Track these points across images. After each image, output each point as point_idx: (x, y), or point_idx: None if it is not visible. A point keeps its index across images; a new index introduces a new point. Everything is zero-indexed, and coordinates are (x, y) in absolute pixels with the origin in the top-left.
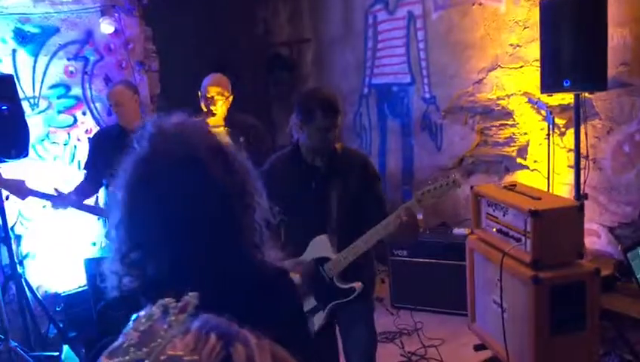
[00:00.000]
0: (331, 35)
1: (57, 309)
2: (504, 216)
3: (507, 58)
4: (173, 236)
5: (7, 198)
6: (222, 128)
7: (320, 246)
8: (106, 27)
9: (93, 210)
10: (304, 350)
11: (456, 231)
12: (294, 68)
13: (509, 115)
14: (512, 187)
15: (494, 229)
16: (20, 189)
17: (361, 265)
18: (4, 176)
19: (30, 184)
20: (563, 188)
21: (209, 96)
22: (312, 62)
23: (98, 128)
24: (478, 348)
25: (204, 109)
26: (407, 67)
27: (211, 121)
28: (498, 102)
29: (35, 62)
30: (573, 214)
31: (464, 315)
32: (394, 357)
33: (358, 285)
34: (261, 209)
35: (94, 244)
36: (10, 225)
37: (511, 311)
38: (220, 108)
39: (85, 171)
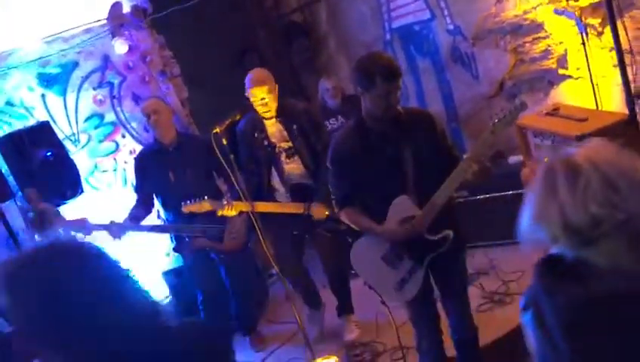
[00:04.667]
0: None
1: None
2: (553, 143)
3: None
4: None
5: None
6: (273, 120)
7: (402, 206)
8: (120, 47)
9: (152, 228)
10: None
11: (512, 159)
12: (311, 31)
13: (539, 27)
14: (554, 112)
15: (546, 159)
16: (84, 227)
17: (447, 213)
18: (67, 218)
19: (92, 220)
20: (614, 90)
21: (258, 99)
22: (328, 21)
23: (141, 147)
24: None
25: (259, 112)
26: (424, 2)
27: (270, 115)
28: (525, 16)
29: (65, 100)
30: (624, 127)
31: None
32: (476, 299)
33: (449, 233)
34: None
35: (168, 255)
36: None
37: None
38: (272, 104)
39: (136, 195)
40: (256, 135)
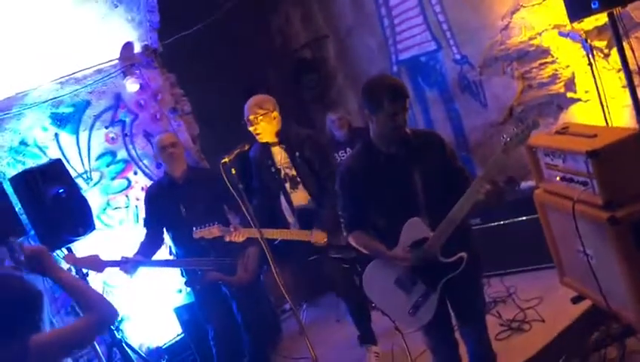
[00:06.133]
0: (347, 25)
1: None
2: (564, 162)
3: None
4: None
5: (87, 274)
6: (277, 147)
7: (414, 228)
8: (132, 86)
9: (164, 263)
10: None
11: (524, 184)
12: (320, 67)
13: (545, 52)
14: (564, 130)
15: (558, 178)
16: (96, 264)
17: (461, 235)
18: (79, 256)
19: (104, 256)
20: (623, 111)
21: (249, 119)
22: (336, 56)
23: (151, 183)
24: (576, 300)
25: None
26: (430, 34)
27: (263, 139)
28: (531, 42)
29: (77, 139)
30: (634, 142)
31: (554, 267)
32: (494, 328)
33: (463, 255)
34: None
35: (180, 292)
36: None
37: (598, 257)
38: (264, 127)
39: (145, 228)
40: (264, 161)
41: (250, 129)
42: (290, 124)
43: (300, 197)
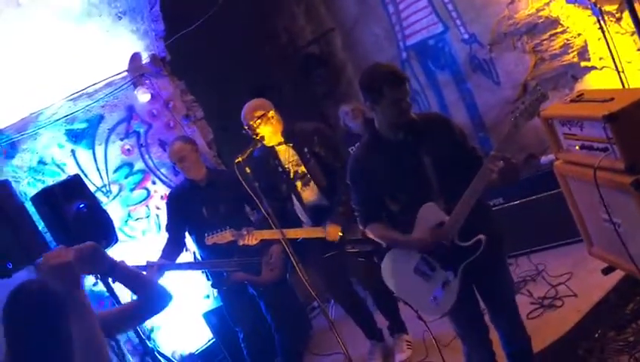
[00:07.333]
0: (352, 16)
1: None
2: (582, 130)
3: None
4: None
5: (113, 281)
6: (283, 146)
7: (429, 214)
8: (143, 96)
9: (189, 266)
10: None
11: (544, 159)
12: (329, 61)
13: (555, 22)
14: (579, 98)
15: (577, 147)
16: None
17: (479, 216)
18: None
19: (128, 262)
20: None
21: (248, 125)
22: (343, 48)
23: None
24: (607, 271)
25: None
26: (436, 16)
27: (269, 142)
28: (539, 14)
29: (94, 153)
30: None
31: (582, 241)
32: (525, 307)
33: (481, 237)
34: None
35: (207, 297)
36: None
37: (625, 225)
38: (264, 129)
39: (167, 233)
40: (270, 162)
41: (253, 135)
42: (292, 121)
43: (311, 194)
